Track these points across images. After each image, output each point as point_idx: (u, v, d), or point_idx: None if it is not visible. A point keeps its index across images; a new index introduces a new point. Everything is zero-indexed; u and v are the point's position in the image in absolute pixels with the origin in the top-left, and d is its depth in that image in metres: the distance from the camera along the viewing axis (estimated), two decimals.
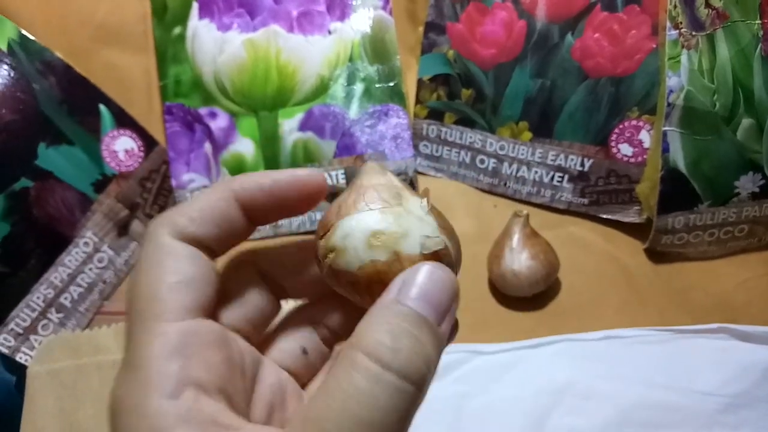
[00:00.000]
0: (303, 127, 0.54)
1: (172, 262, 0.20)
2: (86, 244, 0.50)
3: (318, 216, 0.54)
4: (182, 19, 0.54)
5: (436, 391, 0.24)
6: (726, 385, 0.44)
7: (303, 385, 0.24)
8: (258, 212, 0.21)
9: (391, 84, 0.54)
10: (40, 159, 0.48)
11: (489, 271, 0.49)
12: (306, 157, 0.53)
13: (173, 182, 0.54)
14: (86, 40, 0.54)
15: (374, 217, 0.20)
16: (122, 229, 0.52)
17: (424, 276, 0.19)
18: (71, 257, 0.49)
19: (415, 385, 0.18)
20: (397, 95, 0.54)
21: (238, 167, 0.54)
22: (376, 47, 0.54)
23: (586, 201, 0.52)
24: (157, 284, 0.19)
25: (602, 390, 0.44)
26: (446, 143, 0.54)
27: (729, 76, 0.46)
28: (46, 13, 0.53)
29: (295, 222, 0.54)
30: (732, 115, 0.47)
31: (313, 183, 0.22)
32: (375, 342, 0.18)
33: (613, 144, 0.51)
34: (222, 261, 0.23)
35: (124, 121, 0.53)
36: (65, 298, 0.49)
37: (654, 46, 0.49)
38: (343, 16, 0.53)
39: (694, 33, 0.46)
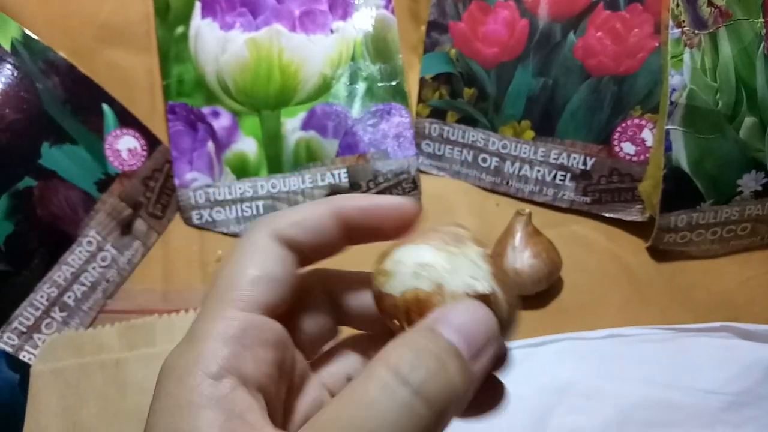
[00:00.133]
0: (305, 126, 0.54)
1: (261, 258, 0.20)
2: (89, 243, 0.50)
3: None
4: (185, 18, 0.54)
5: None
6: (729, 383, 0.44)
7: None
8: (354, 231, 0.22)
9: (394, 83, 0.54)
10: (43, 158, 0.48)
11: None
12: (308, 156, 0.54)
13: (176, 181, 0.54)
14: (89, 39, 0.54)
15: (427, 251, 0.21)
16: (125, 228, 0.52)
17: (462, 310, 0.19)
18: (75, 256, 0.50)
19: (431, 409, 0.17)
20: (399, 94, 0.54)
21: (240, 166, 0.54)
22: (379, 46, 0.54)
23: (588, 200, 0.52)
24: (241, 274, 0.20)
25: (604, 388, 0.44)
26: (448, 142, 0.55)
27: (732, 74, 0.46)
28: (50, 12, 0.53)
29: None
30: (735, 113, 0.47)
31: (409, 212, 0.22)
32: (397, 356, 0.18)
33: (615, 142, 0.51)
34: None
35: (127, 120, 0.53)
36: (69, 297, 0.49)
37: (656, 44, 0.49)
38: (345, 15, 0.53)
39: (696, 31, 0.46)
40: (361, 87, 0.54)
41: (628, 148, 0.50)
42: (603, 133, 0.51)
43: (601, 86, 0.50)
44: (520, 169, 0.53)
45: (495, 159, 0.54)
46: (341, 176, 0.53)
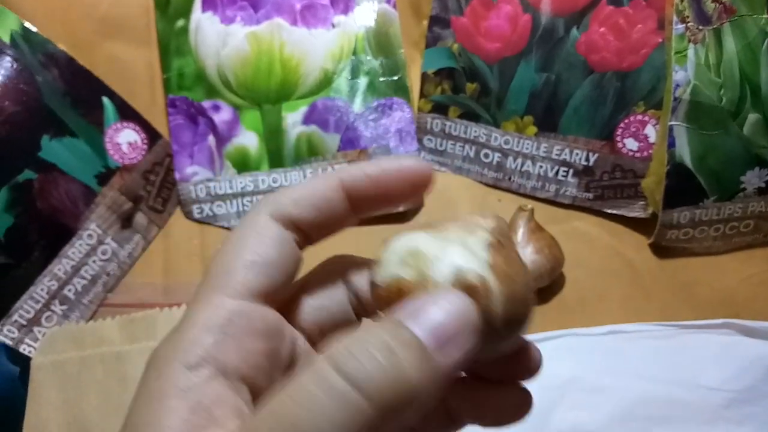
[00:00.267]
0: (307, 120, 0.53)
1: (256, 242, 0.19)
2: (90, 236, 0.50)
3: None
4: (185, 11, 0.54)
5: None
6: (730, 380, 0.44)
7: None
8: (362, 200, 0.21)
9: (395, 78, 0.53)
10: (43, 151, 0.48)
11: None
12: (310, 150, 0.53)
13: (177, 175, 0.54)
14: (89, 32, 0.54)
15: (421, 238, 0.19)
16: (126, 221, 0.52)
17: (435, 300, 0.17)
18: (75, 249, 0.49)
19: (371, 403, 0.15)
20: (401, 89, 0.53)
21: (241, 160, 0.54)
22: (380, 41, 0.53)
23: (590, 196, 0.52)
24: (234, 259, 0.19)
25: (606, 385, 0.44)
26: (450, 137, 0.54)
27: (736, 70, 0.46)
28: (49, 5, 0.53)
29: None
30: (738, 109, 0.47)
31: (420, 172, 0.21)
32: (343, 347, 0.16)
33: (618, 138, 0.50)
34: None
35: (127, 113, 0.53)
36: (69, 290, 0.49)
37: (660, 40, 0.48)
38: (346, 10, 0.53)
39: (700, 27, 0.46)
40: (362, 82, 0.53)
41: (631, 144, 0.50)
42: (606, 129, 0.51)
43: (604, 82, 0.50)
44: (522, 165, 0.53)
45: (497, 154, 0.54)
46: None
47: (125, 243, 0.52)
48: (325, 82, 0.53)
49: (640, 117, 0.50)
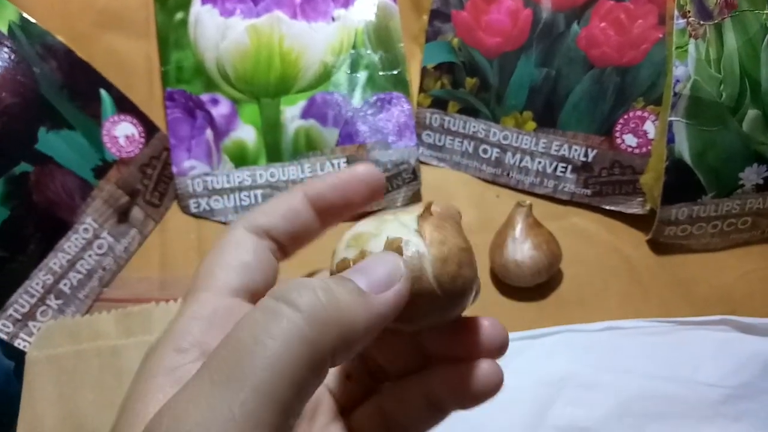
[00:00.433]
0: (305, 114, 0.53)
1: (234, 248, 0.22)
2: (86, 230, 0.50)
3: None
4: (185, 4, 0.53)
5: None
6: (728, 376, 0.44)
7: (341, 410, 0.24)
8: (326, 208, 0.23)
9: (395, 72, 0.53)
10: (40, 143, 0.48)
11: (491, 261, 0.49)
12: (308, 144, 0.53)
13: (174, 169, 0.54)
14: (88, 24, 0.53)
15: (363, 223, 0.22)
16: (122, 215, 0.52)
17: (368, 259, 0.20)
18: (71, 243, 0.49)
19: (302, 314, 0.17)
20: (400, 83, 0.53)
21: (239, 154, 0.53)
22: (380, 35, 0.53)
23: (589, 192, 0.52)
24: (215, 264, 0.21)
25: (604, 381, 0.44)
26: (449, 132, 0.54)
27: (736, 66, 0.46)
28: None
29: None
30: (738, 105, 0.47)
31: (372, 178, 0.23)
32: (285, 286, 0.18)
33: (617, 134, 0.50)
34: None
35: (125, 106, 0.52)
36: (64, 285, 0.49)
37: (660, 35, 0.48)
38: (346, 3, 0.53)
39: (701, 22, 0.46)
40: (362, 76, 0.53)
41: (630, 140, 0.50)
42: (605, 124, 0.51)
43: (604, 77, 0.50)
44: (521, 161, 0.53)
45: (496, 150, 0.53)
46: (340, 166, 0.53)
47: (121, 237, 0.52)
48: (325, 76, 0.53)
49: (639, 113, 0.50)
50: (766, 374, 0.44)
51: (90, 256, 0.50)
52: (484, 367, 0.22)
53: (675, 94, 0.47)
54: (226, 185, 0.54)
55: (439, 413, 0.23)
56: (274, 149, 0.53)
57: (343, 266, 0.21)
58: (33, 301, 0.47)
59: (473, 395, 0.22)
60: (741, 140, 0.47)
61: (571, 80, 0.51)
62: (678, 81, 0.47)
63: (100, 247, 0.51)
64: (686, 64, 0.46)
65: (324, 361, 0.17)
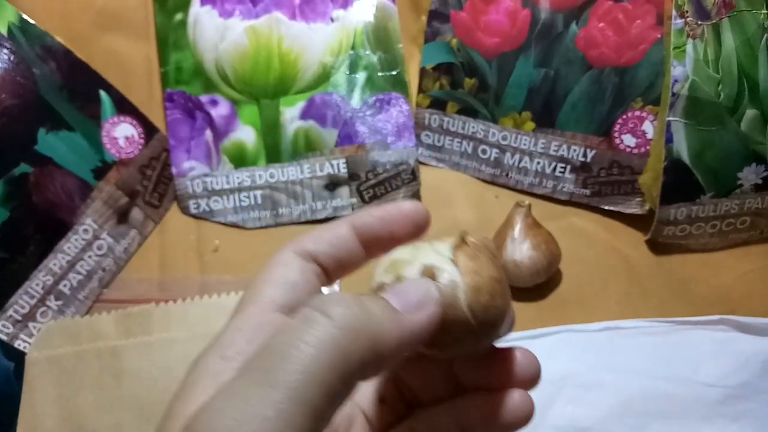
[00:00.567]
0: (304, 115, 0.53)
1: (282, 268, 0.23)
2: (86, 231, 0.50)
3: None
4: (184, 5, 0.53)
5: None
6: (726, 376, 0.44)
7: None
8: (371, 240, 0.24)
9: (394, 73, 0.53)
10: (39, 144, 0.48)
11: None
12: (307, 145, 0.53)
13: (173, 170, 0.54)
14: (87, 25, 0.53)
15: (400, 250, 0.23)
16: (122, 216, 0.52)
17: (404, 283, 0.21)
18: (70, 244, 0.49)
19: (334, 322, 0.18)
20: (399, 84, 0.53)
21: (239, 155, 0.53)
22: (379, 35, 0.53)
23: (588, 192, 0.52)
24: (263, 281, 0.23)
25: (603, 380, 0.44)
26: (448, 133, 0.54)
27: (734, 66, 0.46)
28: None
29: (296, 211, 0.54)
30: (736, 105, 0.47)
31: (417, 214, 0.24)
32: (321, 299, 0.19)
33: (616, 135, 0.51)
34: None
35: (124, 107, 0.53)
36: (64, 286, 0.49)
37: (659, 36, 0.48)
38: (345, 4, 0.53)
39: (699, 22, 0.46)
40: (361, 76, 0.53)
41: (629, 140, 0.50)
42: (604, 125, 0.51)
43: (603, 78, 0.50)
44: (519, 161, 0.53)
45: (495, 150, 0.54)
46: (340, 166, 0.53)
47: (121, 238, 0.52)
48: (324, 76, 0.53)
49: (638, 113, 0.50)
50: (765, 374, 0.44)
51: (90, 257, 0.50)
52: (516, 397, 0.23)
53: (673, 94, 0.47)
54: (226, 186, 0.54)
55: None
56: (274, 150, 0.53)
57: (379, 290, 0.22)
58: (33, 302, 0.47)
59: (504, 425, 0.23)
60: (739, 140, 0.48)
61: (570, 80, 0.51)
62: (676, 81, 0.47)
63: (99, 248, 0.51)
64: (684, 64, 0.46)
65: (354, 371, 0.18)
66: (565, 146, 0.52)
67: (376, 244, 0.24)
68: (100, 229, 0.51)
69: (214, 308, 0.46)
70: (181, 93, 0.54)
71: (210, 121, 0.54)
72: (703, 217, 0.49)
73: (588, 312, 0.48)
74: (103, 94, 0.52)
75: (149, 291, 0.51)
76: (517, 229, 0.48)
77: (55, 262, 0.48)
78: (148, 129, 0.54)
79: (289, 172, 0.53)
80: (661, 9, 0.48)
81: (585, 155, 0.52)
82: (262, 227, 0.54)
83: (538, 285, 0.49)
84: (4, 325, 0.46)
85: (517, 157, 0.53)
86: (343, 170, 0.53)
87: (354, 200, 0.53)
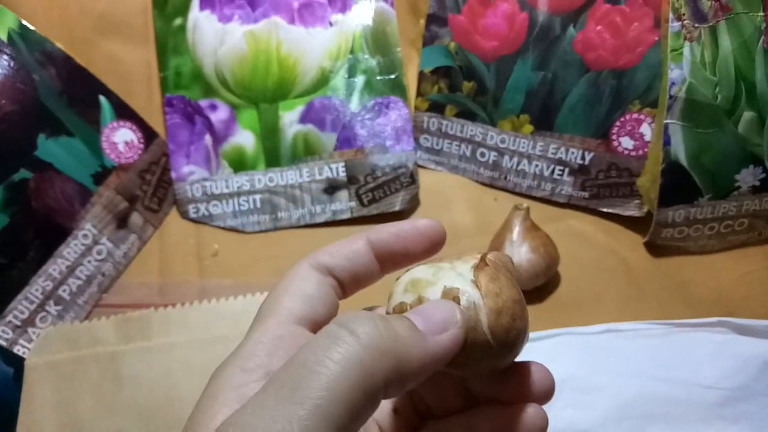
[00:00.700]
0: (303, 119, 0.53)
1: (299, 281, 0.23)
2: (85, 236, 0.50)
3: None
4: (183, 10, 0.54)
5: None
6: (725, 378, 0.44)
7: None
8: (386, 256, 0.24)
9: (392, 76, 0.54)
10: (39, 150, 0.48)
11: None
12: (306, 149, 0.53)
13: (173, 174, 0.54)
14: (87, 31, 0.54)
15: (420, 269, 0.23)
16: (121, 221, 0.52)
17: (428, 304, 0.21)
18: (70, 249, 0.49)
19: (359, 340, 0.18)
20: (398, 88, 0.54)
21: (238, 159, 0.54)
22: (378, 39, 0.54)
23: (586, 194, 0.52)
24: (282, 294, 0.23)
25: (602, 383, 0.44)
26: (447, 136, 0.54)
27: (731, 68, 0.46)
28: (47, 3, 0.53)
29: (295, 215, 0.54)
30: (733, 107, 0.47)
31: (434, 231, 0.25)
32: (348, 316, 0.19)
33: (614, 137, 0.51)
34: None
35: (124, 112, 0.53)
36: (64, 291, 0.49)
37: (656, 38, 0.49)
38: (344, 8, 0.53)
39: (696, 25, 0.46)
40: (359, 80, 0.54)
41: (627, 142, 0.50)
42: (601, 127, 0.51)
43: (600, 80, 0.50)
44: (518, 164, 0.53)
45: (493, 153, 0.54)
46: (339, 170, 0.53)
47: (121, 243, 0.52)
48: (322, 80, 0.53)
49: (635, 115, 0.50)
50: (763, 376, 0.44)
51: (89, 261, 0.50)
52: (530, 412, 0.23)
53: (670, 96, 0.47)
54: (225, 190, 0.54)
55: None
56: (273, 154, 0.54)
57: (400, 309, 0.22)
58: (32, 307, 0.47)
59: None
60: (737, 142, 0.48)
61: (568, 83, 0.51)
62: (673, 84, 0.47)
63: (99, 253, 0.51)
64: (681, 66, 0.46)
65: (378, 389, 0.18)
66: (563, 149, 0.52)
67: (391, 260, 0.25)
68: (99, 234, 0.51)
69: (214, 313, 0.46)
70: (181, 98, 0.54)
71: (209, 126, 0.54)
72: (701, 219, 0.50)
73: (586, 314, 0.48)
74: (102, 99, 0.52)
75: (149, 295, 0.51)
76: (516, 231, 0.48)
77: (55, 267, 0.49)
78: (148, 134, 0.54)
79: (288, 176, 0.54)
80: (659, 12, 0.48)
81: (583, 158, 0.52)
82: (261, 231, 0.54)
83: (536, 287, 0.49)
84: (3, 331, 0.46)
85: (515, 159, 0.53)
86: (342, 174, 0.53)
87: (353, 204, 0.53)
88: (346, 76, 0.53)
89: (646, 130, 0.50)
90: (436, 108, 0.54)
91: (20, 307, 0.47)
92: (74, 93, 0.50)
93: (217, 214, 0.54)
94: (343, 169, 0.53)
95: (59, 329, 0.47)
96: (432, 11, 0.53)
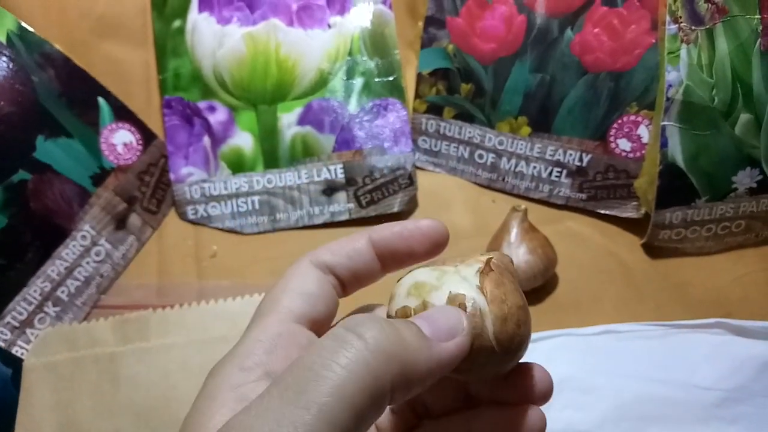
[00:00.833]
0: (302, 121, 0.53)
1: (299, 279, 0.23)
2: (84, 237, 0.50)
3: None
4: (182, 12, 0.54)
5: None
6: (723, 379, 0.44)
7: None
8: (388, 255, 0.24)
9: (391, 78, 0.54)
10: (38, 151, 0.48)
11: None
12: (305, 151, 0.53)
13: (172, 176, 0.54)
14: (86, 32, 0.54)
15: (423, 272, 0.23)
16: (120, 222, 0.52)
17: (435, 310, 0.21)
18: (69, 250, 0.49)
19: (367, 345, 0.18)
20: (396, 90, 0.54)
21: (237, 161, 0.54)
22: (376, 41, 0.54)
23: (584, 196, 0.52)
24: (281, 291, 0.23)
25: (600, 384, 0.44)
26: (445, 138, 0.55)
27: (728, 70, 0.47)
28: (46, 5, 0.53)
29: (293, 216, 0.54)
30: (730, 110, 0.47)
31: (437, 232, 0.24)
32: (355, 319, 0.19)
33: (611, 139, 0.51)
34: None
35: (122, 114, 0.53)
36: (62, 292, 0.49)
37: (653, 41, 0.49)
38: (342, 11, 0.53)
39: (693, 27, 0.47)
40: (358, 82, 0.54)
41: (624, 144, 0.51)
42: (599, 129, 0.51)
43: (598, 82, 0.50)
44: (516, 166, 0.53)
45: (491, 155, 0.54)
46: (337, 171, 0.53)
47: (119, 244, 0.52)
48: (321, 82, 0.53)
49: (633, 117, 0.50)
50: (760, 377, 0.44)
51: (88, 263, 0.50)
52: (529, 413, 0.23)
53: (668, 98, 0.47)
54: (224, 192, 0.54)
55: None
56: (271, 156, 0.54)
57: (404, 313, 0.22)
58: (31, 308, 0.47)
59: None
60: (734, 144, 0.48)
61: (566, 85, 0.51)
62: (670, 86, 0.47)
63: (97, 254, 0.51)
64: (678, 69, 0.47)
65: (384, 394, 0.18)
66: (561, 151, 0.52)
67: (393, 260, 0.24)
68: (98, 236, 0.51)
69: (212, 314, 0.46)
70: (179, 99, 0.54)
71: (208, 128, 0.54)
72: (698, 220, 0.50)
73: (584, 316, 0.48)
74: (101, 100, 0.52)
75: (147, 297, 0.51)
76: (514, 233, 0.48)
77: (53, 268, 0.49)
78: (147, 135, 0.54)
79: (286, 177, 0.54)
80: (655, 14, 0.48)
81: (581, 159, 0.52)
82: (259, 233, 0.54)
83: (534, 289, 0.49)
84: (1, 332, 0.46)
85: (513, 161, 0.53)
86: (341, 175, 0.53)
87: (351, 205, 0.53)
88: (345, 78, 0.54)
89: (644, 132, 0.50)
90: (435, 110, 0.54)
91: (19, 308, 0.47)
92: (73, 94, 0.50)
93: (216, 215, 0.54)
94: (342, 170, 0.53)
95: (58, 330, 0.47)
96: (430, 13, 0.53)
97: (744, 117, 0.47)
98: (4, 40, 0.47)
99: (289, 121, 0.53)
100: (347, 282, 0.24)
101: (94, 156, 0.51)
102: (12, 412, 0.44)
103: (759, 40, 0.46)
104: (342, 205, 0.53)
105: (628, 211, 0.51)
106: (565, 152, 0.52)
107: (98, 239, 0.51)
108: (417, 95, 0.55)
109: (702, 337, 0.46)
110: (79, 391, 0.44)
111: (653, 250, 0.51)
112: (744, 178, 0.49)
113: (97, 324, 0.46)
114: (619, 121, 0.50)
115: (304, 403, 0.17)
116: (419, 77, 0.54)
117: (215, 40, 0.53)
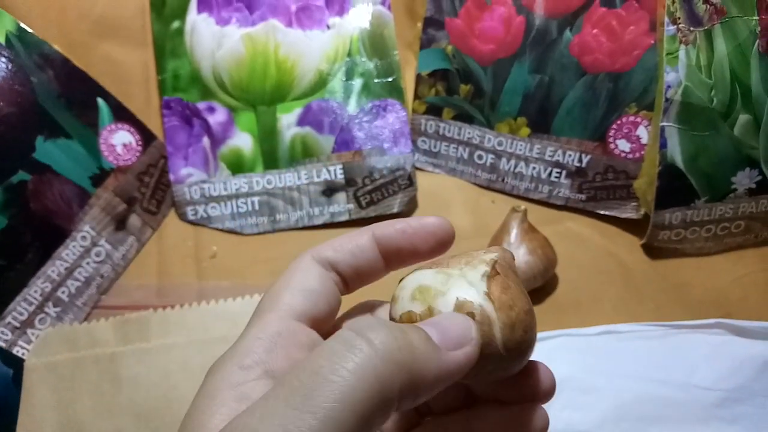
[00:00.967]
0: (301, 122, 0.54)
1: (301, 275, 0.23)
2: (84, 238, 0.50)
3: None
4: (181, 13, 0.54)
5: None
6: (723, 379, 0.44)
7: None
8: (392, 252, 0.24)
9: (390, 79, 0.54)
10: (37, 152, 0.48)
11: None
12: (304, 152, 0.54)
13: (171, 177, 0.54)
14: (85, 33, 0.54)
15: (428, 275, 0.22)
16: (120, 223, 0.52)
17: (444, 316, 0.21)
18: (69, 251, 0.49)
19: (376, 351, 0.18)
20: (395, 90, 0.54)
21: (236, 162, 0.54)
22: (375, 42, 0.54)
23: (583, 197, 0.52)
24: (282, 288, 0.23)
25: (600, 384, 0.44)
26: (444, 139, 0.55)
27: (726, 71, 0.47)
28: (45, 6, 0.53)
29: (293, 217, 0.54)
30: (729, 110, 0.47)
31: (442, 230, 0.24)
32: (362, 322, 0.19)
33: (611, 140, 0.51)
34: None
35: (122, 115, 0.53)
36: (62, 292, 0.49)
37: (652, 42, 0.49)
38: (341, 11, 0.53)
39: (692, 29, 0.47)
40: (357, 83, 0.54)
41: (623, 145, 0.51)
42: (598, 130, 0.51)
43: (597, 83, 0.50)
44: (515, 166, 0.53)
45: (491, 156, 0.54)
46: (337, 172, 0.53)
47: (119, 245, 0.52)
48: (320, 83, 0.53)
49: (632, 118, 0.50)
50: (760, 377, 0.44)
51: (88, 263, 0.50)
52: (531, 413, 0.23)
53: (666, 99, 0.47)
54: (223, 192, 0.54)
55: None
56: (271, 156, 0.54)
57: (408, 319, 0.21)
58: (31, 308, 0.48)
59: None
60: (733, 145, 0.48)
61: (565, 86, 0.51)
62: (669, 87, 0.47)
63: (97, 255, 0.51)
64: (677, 70, 0.47)
65: (391, 400, 0.18)
66: (560, 151, 0.52)
67: (397, 257, 0.24)
68: (98, 236, 0.51)
69: (212, 314, 0.46)
70: (179, 100, 0.54)
71: (207, 128, 0.54)
72: (697, 221, 0.50)
73: (584, 316, 0.48)
74: (100, 101, 0.52)
75: (147, 297, 0.51)
76: (513, 234, 0.48)
77: (54, 269, 0.49)
78: (146, 136, 0.54)
79: (286, 178, 0.54)
80: (654, 15, 0.49)
81: (580, 160, 0.52)
82: (259, 233, 0.54)
83: (534, 289, 0.49)
84: (2, 332, 0.46)
85: (512, 162, 0.53)
86: (340, 176, 0.53)
87: (351, 206, 0.54)
88: (344, 79, 0.54)
89: (643, 132, 0.50)
90: (434, 111, 0.54)
91: (19, 309, 0.47)
92: (72, 95, 0.50)
93: (216, 216, 0.54)
94: (341, 171, 0.53)
95: (58, 331, 0.47)
96: (429, 14, 0.53)
97: (743, 118, 0.47)
98: (3, 41, 0.48)
99: (288, 121, 0.54)
100: (350, 279, 0.24)
101: (94, 157, 0.51)
102: (13, 412, 0.44)
103: (757, 41, 0.46)
104: (342, 205, 0.54)
105: (628, 212, 0.51)
106: (564, 153, 0.52)
107: (98, 240, 0.51)
108: (416, 96, 0.55)
109: (702, 338, 0.46)
110: (79, 391, 0.44)
111: (653, 251, 0.51)
112: (743, 179, 0.49)
113: (98, 324, 0.46)
114: (618, 122, 0.51)
115: (311, 408, 0.17)
116: (418, 78, 0.54)
117: (214, 40, 0.53)
